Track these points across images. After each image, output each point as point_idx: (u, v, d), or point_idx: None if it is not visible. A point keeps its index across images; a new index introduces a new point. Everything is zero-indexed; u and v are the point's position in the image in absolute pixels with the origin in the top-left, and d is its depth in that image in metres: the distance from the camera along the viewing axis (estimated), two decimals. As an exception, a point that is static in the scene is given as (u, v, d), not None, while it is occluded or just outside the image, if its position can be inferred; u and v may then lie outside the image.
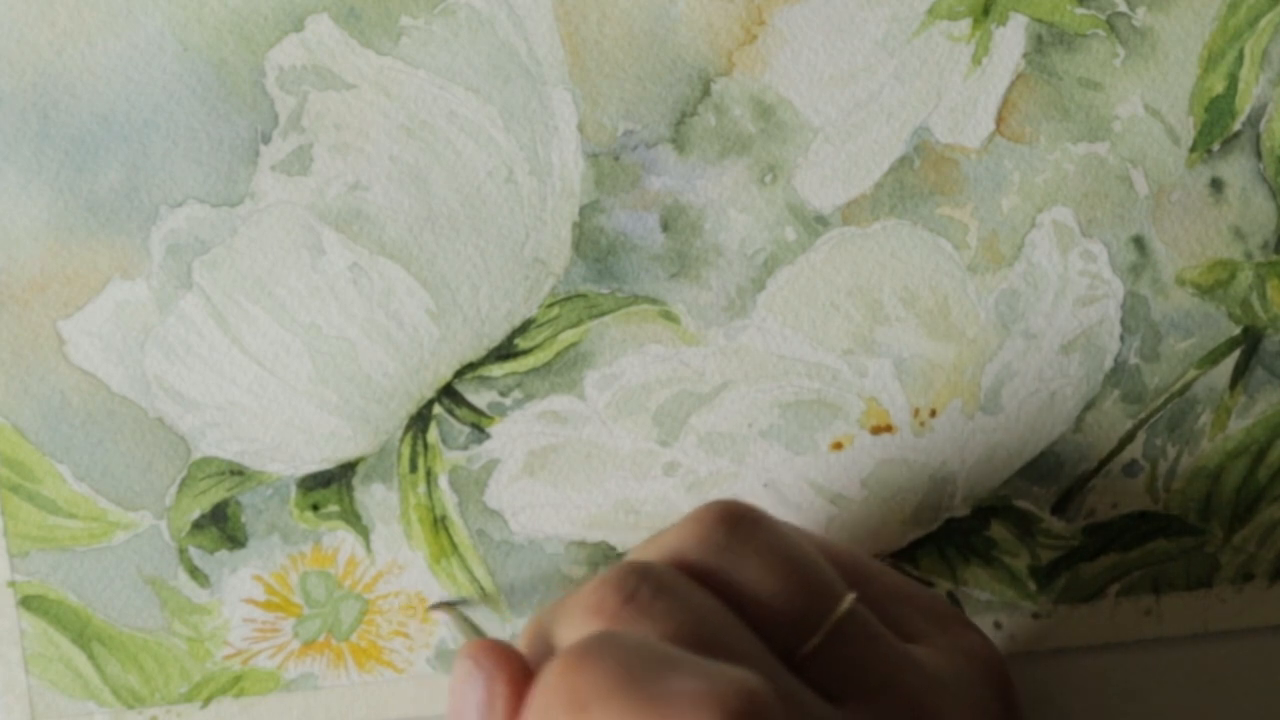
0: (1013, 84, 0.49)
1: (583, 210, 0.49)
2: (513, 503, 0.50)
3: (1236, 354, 0.50)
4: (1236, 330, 0.50)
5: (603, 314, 0.50)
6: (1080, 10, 0.49)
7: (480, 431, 0.50)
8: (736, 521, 0.43)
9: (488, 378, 0.50)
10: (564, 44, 0.49)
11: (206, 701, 0.51)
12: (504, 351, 0.50)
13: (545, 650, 0.42)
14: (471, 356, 0.50)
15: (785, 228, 0.49)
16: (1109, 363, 0.50)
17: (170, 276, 0.49)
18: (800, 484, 0.50)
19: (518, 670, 0.42)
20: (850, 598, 0.42)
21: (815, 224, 0.49)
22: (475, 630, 0.50)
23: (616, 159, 0.49)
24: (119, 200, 0.49)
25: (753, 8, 0.49)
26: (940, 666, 0.43)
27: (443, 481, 0.50)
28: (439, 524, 0.50)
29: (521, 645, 0.44)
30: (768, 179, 0.49)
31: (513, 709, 0.42)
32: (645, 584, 0.41)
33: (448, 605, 0.50)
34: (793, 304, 0.50)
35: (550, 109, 0.49)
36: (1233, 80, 0.49)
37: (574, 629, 0.41)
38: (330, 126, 0.49)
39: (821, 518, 0.50)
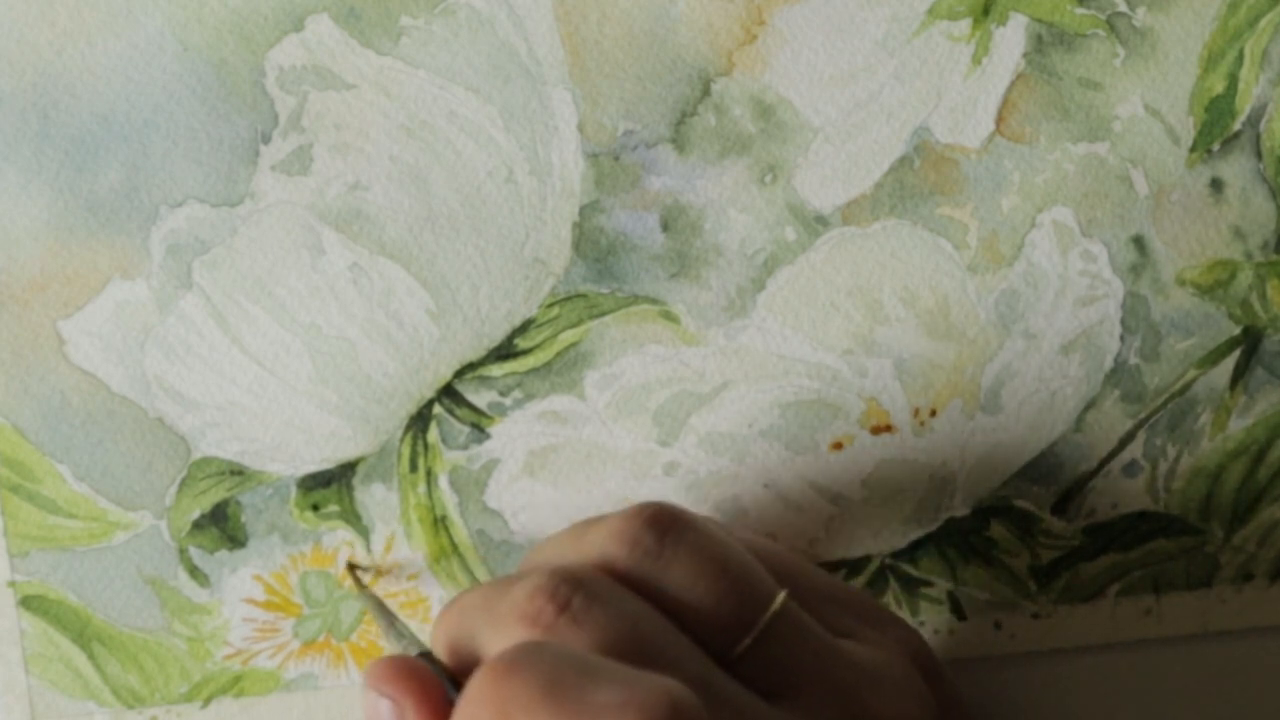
0: (1013, 84, 0.49)
1: (583, 210, 0.49)
2: (513, 503, 0.50)
3: (1236, 354, 0.50)
4: (1236, 330, 0.50)
5: (603, 314, 0.50)
6: (1080, 10, 0.49)
7: (480, 431, 0.50)
8: (666, 526, 0.43)
9: (488, 378, 0.50)
10: (564, 44, 0.49)
11: (206, 701, 0.51)
12: (504, 351, 0.50)
13: (470, 655, 0.42)
14: (471, 356, 0.50)
15: (785, 228, 0.49)
16: (1109, 363, 0.50)
17: (170, 276, 0.49)
18: (800, 484, 0.50)
19: (424, 690, 0.43)
20: (781, 597, 0.43)
21: (815, 224, 0.49)
22: (382, 610, 0.49)
23: (616, 159, 0.49)
24: (119, 200, 0.49)
25: (753, 8, 0.49)
26: (871, 659, 0.44)
27: (443, 481, 0.50)
28: (439, 524, 0.50)
29: (439, 642, 0.44)
30: (768, 179, 0.49)
31: None
32: (579, 593, 0.41)
33: (357, 579, 0.50)
34: (793, 304, 0.49)
35: (550, 109, 0.49)
36: (1233, 80, 0.49)
37: (505, 637, 0.42)
38: (330, 126, 0.49)
39: (821, 518, 0.50)
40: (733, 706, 0.41)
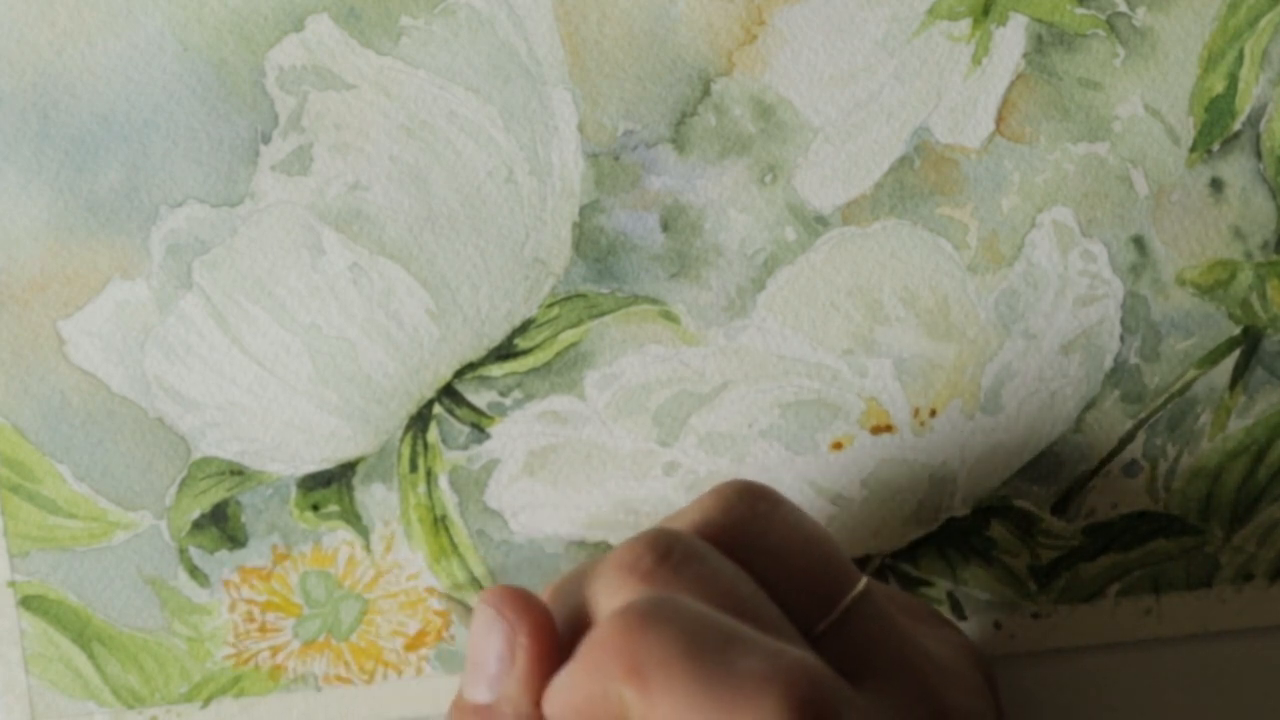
0: (1013, 84, 0.49)
1: (583, 210, 0.49)
2: (513, 503, 0.50)
3: (1236, 354, 0.50)
4: (1236, 330, 0.50)
5: (603, 314, 0.50)
6: (1080, 10, 0.49)
7: (480, 431, 0.50)
8: (758, 497, 0.43)
9: (488, 378, 0.50)
10: (564, 44, 0.49)
11: (206, 701, 0.51)
12: (504, 351, 0.50)
13: (576, 606, 0.42)
14: (471, 356, 0.50)
15: (785, 228, 0.49)
16: (1109, 363, 0.50)
17: (170, 276, 0.49)
18: (800, 484, 0.50)
19: (541, 622, 0.42)
20: (865, 580, 0.42)
21: (815, 224, 0.49)
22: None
23: (616, 159, 0.49)
24: (119, 200, 0.49)
25: (753, 8, 0.49)
26: (941, 654, 0.44)
27: (443, 481, 0.50)
28: (439, 524, 0.50)
29: (545, 601, 0.44)
30: (768, 179, 0.49)
31: (535, 661, 0.42)
32: (678, 547, 0.41)
33: (450, 599, 0.50)
34: (793, 304, 0.49)
35: (550, 109, 0.49)
36: (1233, 80, 0.49)
37: (608, 587, 0.41)
38: (330, 126, 0.49)
39: (821, 518, 0.50)
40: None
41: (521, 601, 0.42)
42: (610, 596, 0.41)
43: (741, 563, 0.42)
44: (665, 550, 0.41)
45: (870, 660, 0.42)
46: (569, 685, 0.40)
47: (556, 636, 0.42)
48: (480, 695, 0.42)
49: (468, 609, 0.49)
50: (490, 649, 0.42)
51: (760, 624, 0.40)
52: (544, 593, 0.44)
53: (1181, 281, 0.49)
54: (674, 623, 0.39)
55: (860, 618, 0.42)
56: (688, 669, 0.38)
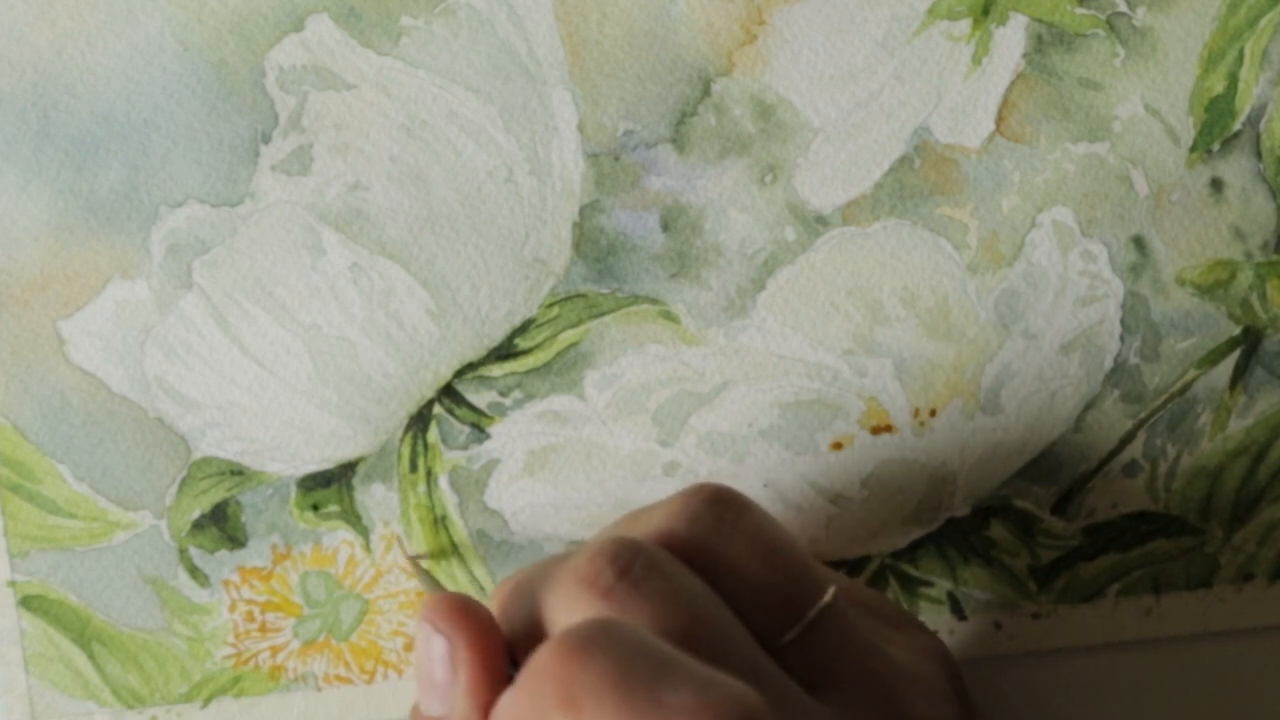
0: (1013, 84, 0.49)
1: (583, 210, 0.49)
2: (513, 503, 0.50)
3: (1236, 354, 0.50)
4: (1236, 330, 0.50)
5: (603, 314, 0.50)
6: (1080, 10, 0.49)
7: (480, 431, 0.50)
8: (725, 504, 0.43)
9: (488, 378, 0.50)
10: (564, 44, 0.49)
11: (206, 701, 0.51)
12: (504, 351, 0.50)
13: (531, 614, 0.42)
14: (471, 356, 0.50)
15: (785, 228, 0.49)
16: (1109, 363, 0.50)
17: (170, 276, 0.49)
18: (800, 484, 0.50)
19: (482, 632, 0.42)
20: (833, 589, 0.42)
21: (815, 224, 0.49)
22: (437, 586, 0.49)
23: (616, 159, 0.49)
24: (119, 200, 0.49)
25: (753, 8, 0.49)
26: (907, 662, 0.43)
27: (443, 481, 0.50)
28: (439, 524, 0.50)
29: (495, 604, 0.43)
30: (768, 179, 0.49)
31: (478, 673, 0.41)
32: (639, 560, 0.41)
33: (414, 562, 0.50)
34: (793, 304, 0.50)
35: (550, 109, 0.49)
36: (1233, 80, 0.49)
37: (564, 599, 0.41)
38: (330, 126, 0.49)
39: (821, 518, 0.50)
40: (780, 696, 0.40)
41: (459, 614, 0.42)
42: (567, 611, 0.41)
43: (704, 574, 0.42)
44: (625, 565, 0.41)
45: (834, 671, 0.42)
46: (510, 711, 0.40)
47: (500, 643, 0.42)
48: (433, 709, 0.43)
49: (435, 582, 0.49)
50: (434, 664, 0.42)
51: (720, 639, 0.40)
52: (502, 588, 0.43)
53: (1181, 281, 0.49)
54: (609, 652, 0.38)
55: (825, 628, 0.42)
56: (620, 701, 0.38)
